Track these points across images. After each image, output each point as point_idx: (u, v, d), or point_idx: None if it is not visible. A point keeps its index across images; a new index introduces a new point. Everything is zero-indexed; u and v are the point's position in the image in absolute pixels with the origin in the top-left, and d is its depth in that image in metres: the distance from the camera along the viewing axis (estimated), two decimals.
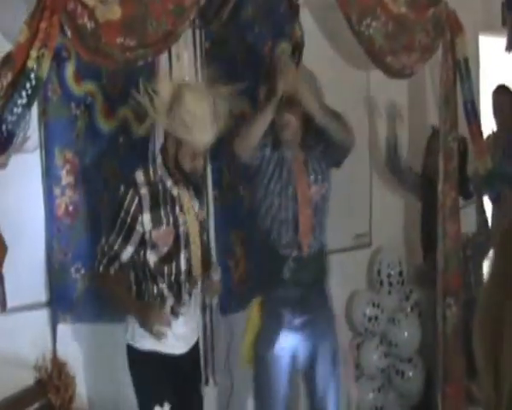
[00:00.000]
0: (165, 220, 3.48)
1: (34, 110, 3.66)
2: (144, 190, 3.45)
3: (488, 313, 1.06)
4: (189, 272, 3.58)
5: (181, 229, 3.52)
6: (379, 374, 5.11)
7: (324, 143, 3.99)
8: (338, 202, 4.72)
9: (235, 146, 3.88)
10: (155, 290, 3.53)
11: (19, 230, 3.82)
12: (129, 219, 3.42)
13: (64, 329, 4.02)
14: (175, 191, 3.53)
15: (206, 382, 4.43)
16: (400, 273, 5.19)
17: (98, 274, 3.55)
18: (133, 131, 4.04)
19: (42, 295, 3.98)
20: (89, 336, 4.01)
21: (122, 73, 3.89)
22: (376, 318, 5.10)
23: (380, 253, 5.25)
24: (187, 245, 3.56)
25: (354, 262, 5.25)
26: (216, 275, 3.70)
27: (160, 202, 3.48)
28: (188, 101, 3.36)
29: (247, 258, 4.52)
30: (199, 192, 3.71)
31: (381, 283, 5.19)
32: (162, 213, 3.48)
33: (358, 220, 5.30)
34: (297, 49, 4.09)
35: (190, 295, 3.60)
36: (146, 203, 3.44)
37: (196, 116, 3.34)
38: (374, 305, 5.11)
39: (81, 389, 3.97)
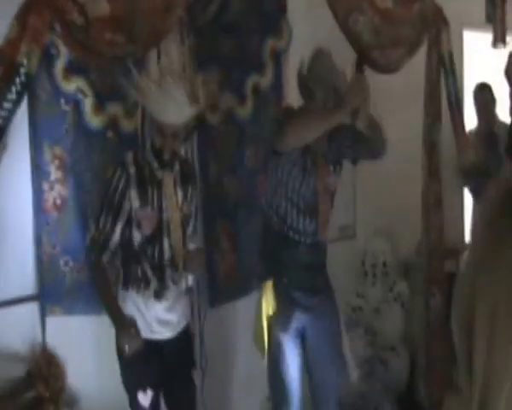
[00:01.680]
0: (150, 201, 3.53)
1: (23, 106, 3.68)
2: (132, 170, 3.51)
3: (461, 304, 1.07)
4: (172, 259, 3.61)
5: (164, 214, 3.57)
6: (363, 364, 5.16)
7: (355, 144, 4.01)
8: None
9: (287, 137, 3.76)
10: (139, 272, 3.57)
11: (7, 224, 3.84)
12: (117, 196, 3.48)
13: (53, 321, 4.05)
14: (159, 174, 3.55)
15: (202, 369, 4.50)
16: (384, 264, 5.25)
17: (91, 265, 3.60)
18: (122, 127, 4.06)
19: (31, 288, 4.00)
20: (78, 328, 4.03)
21: (111, 69, 3.91)
22: (361, 308, 5.16)
23: (364, 244, 5.30)
24: (169, 233, 3.59)
25: (338, 253, 5.30)
26: (192, 243, 3.75)
27: (146, 183, 3.53)
28: (164, 82, 3.41)
29: (235, 250, 4.57)
30: (187, 183, 3.71)
31: (366, 273, 5.24)
32: (148, 193, 3.53)
33: (343, 212, 5.34)
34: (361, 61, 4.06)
35: (174, 281, 3.64)
36: (133, 181, 3.50)
37: (166, 96, 3.37)
38: (358, 295, 5.17)
39: (71, 380, 4.00)
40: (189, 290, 3.85)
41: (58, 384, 3.98)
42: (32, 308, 4.01)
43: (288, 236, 3.94)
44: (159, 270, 3.59)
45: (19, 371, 3.92)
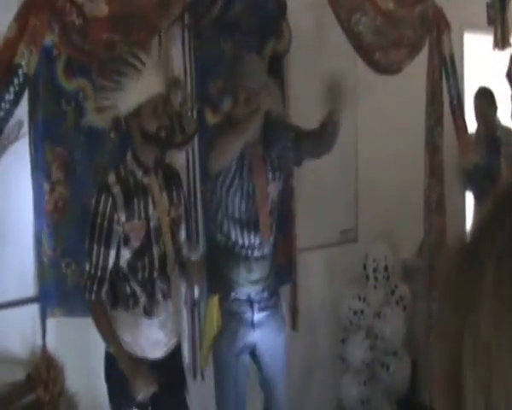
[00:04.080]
0: (137, 213, 3.43)
1: (24, 106, 3.68)
2: (116, 189, 3.38)
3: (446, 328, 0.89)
4: (161, 269, 3.54)
5: (151, 223, 3.48)
6: (364, 368, 5.14)
7: (297, 143, 3.94)
8: (324, 197, 4.77)
9: (211, 163, 3.76)
10: (128, 290, 3.48)
11: (8, 225, 3.84)
12: (106, 223, 3.35)
13: (54, 324, 4.04)
14: (146, 180, 3.46)
15: (194, 377, 4.47)
16: (386, 268, 5.23)
17: (90, 304, 3.46)
18: (124, 127, 4.04)
19: (31, 290, 4.00)
20: (78, 330, 4.02)
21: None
22: (362, 311, 5.14)
23: (365, 248, 5.28)
24: (158, 240, 3.51)
25: (340, 257, 5.29)
26: (194, 255, 3.69)
27: (132, 194, 3.43)
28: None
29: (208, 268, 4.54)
30: (170, 186, 3.62)
31: (367, 277, 5.23)
32: (134, 205, 3.42)
33: (345, 216, 5.34)
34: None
35: (164, 295, 3.55)
36: (120, 200, 3.38)
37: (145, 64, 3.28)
38: (360, 299, 5.15)
39: (70, 383, 3.98)
40: (192, 304, 3.80)
41: (58, 388, 3.96)
42: (33, 311, 4.01)
43: (233, 251, 3.86)
44: (148, 284, 3.50)
45: (18, 374, 3.91)
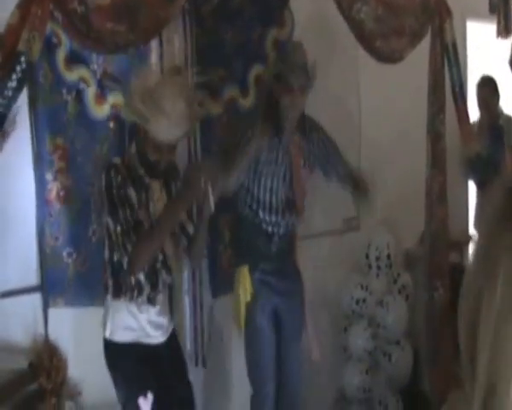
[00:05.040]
0: (144, 203, 3.52)
1: (24, 96, 3.67)
2: (123, 170, 3.48)
3: (467, 301, 1.07)
4: (163, 262, 3.62)
5: (152, 218, 3.55)
6: (367, 356, 5.15)
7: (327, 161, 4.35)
8: (327, 185, 4.76)
9: (223, 188, 3.86)
10: (132, 280, 3.56)
11: (10, 214, 3.84)
12: (122, 191, 3.43)
13: (56, 313, 4.03)
14: (146, 180, 3.55)
15: (196, 364, 4.49)
16: (388, 257, 5.23)
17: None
18: (124, 116, 4.04)
19: (33, 279, 3.99)
20: (80, 319, 4.03)
21: (114, 58, 3.90)
22: (364, 300, 5.15)
23: (368, 236, 5.28)
24: None
25: (343, 245, 5.29)
26: (189, 228, 3.76)
27: (135, 186, 3.51)
28: (162, 97, 3.35)
29: (235, 241, 4.56)
30: (169, 182, 3.70)
31: (370, 266, 5.23)
32: (139, 196, 3.51)
33: (347, 204, 5.32)
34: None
35: (165, 284, 3.66)
36: (128, 180, 3.48)
37: (165, 113, 3.33)
38: (362, 288, 5.16)
39: (73, 372, 3.98)
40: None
41: (60, 376, 3.96)
42: (35, 300, 4.00)
43: (260, 228, 4.13)
44: (152, 274, 3.59)
45: (21, 363, 3.91)
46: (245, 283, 4.11)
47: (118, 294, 3.60)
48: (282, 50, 4.25)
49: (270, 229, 4.12)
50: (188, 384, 3.85)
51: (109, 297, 3.63)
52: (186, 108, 3.39)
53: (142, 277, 3.56)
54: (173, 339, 3.82)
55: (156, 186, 3.59)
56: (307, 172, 4.22)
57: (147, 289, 3.59)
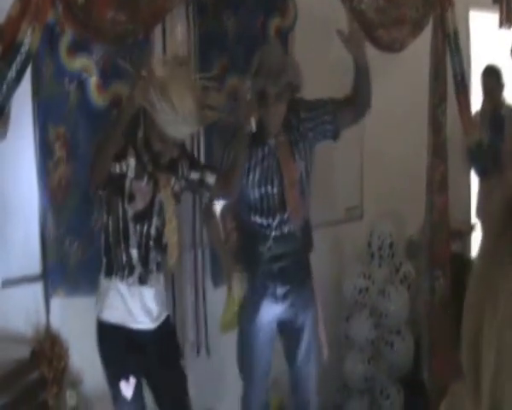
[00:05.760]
0: (145, 178, 3.55)
1: (27, 86, 3.69)
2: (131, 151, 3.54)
3: (470, 316, 1.07)
4: (157, 241, 3.63)
5: (157, 197, 3.58)
6: (368, 345, 5.16)
7: (336, 114, 4.01)
8: (330, 174, 4.77)
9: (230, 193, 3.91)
10: (124, 257, 3.59)
11: (12, 203, 3.85)
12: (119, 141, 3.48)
13: (57, 302, 4.05)
14: (149, 167, 3.57)
15: (198, 352, 4.51)
16: (390, 246, 5.24)
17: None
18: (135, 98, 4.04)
19: (35, 268, 4.01)
20: (82, 308, 4.03)
21: (116, 47, 3.90)
22: (367, 289, 5.15)
23: (371, 225, 5.28)
24: (160, 214, 3.61)
25: (345, 235, 5.30)
26: (210, 178, 3.77)
27: (141, 163, 3.55)
28: (174, 94, 3.35)
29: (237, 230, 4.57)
30: (175, 167, 3.71)
31: (372, 255, 5.24)
32: (144, 171, 3.55)
33: (350, 193, 5.34)
34: None
35: (158, 267, 3.67)
36: (130, 150, 3.53)
37: (175, 109, 3.34)
38: (364, 277, 5.17)
39: (74, 361, 4.00)
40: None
41: (61, 365, 3.98)
42: (36, 289, 4.02)
43: (255, 229, 4.00)
44: (144, 251, 3.61)
45: (22, 352, 3.93)
46: (234, 287, 4.02)
47: (109, 273, 3.64)
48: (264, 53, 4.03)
49: (262, 231, 3.99)
50: (178, 372, 3.83)
51: (102, 276, 3.67)
52: (195, 107, 3.39)
53: (134, 255, 3.60)
54: (165, 327, 3.80)
55: (161, 175, 3.61)
56: (302, 162, 4.02)
57: (138, 269, 3.61)
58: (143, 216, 3.59)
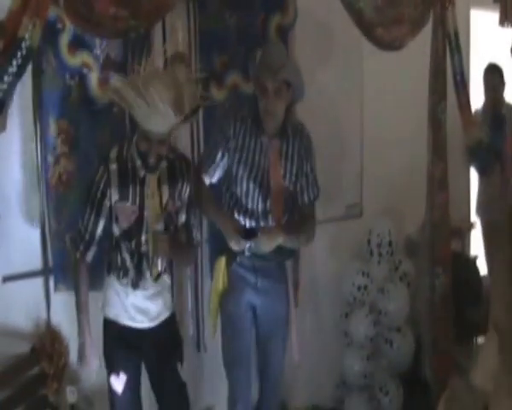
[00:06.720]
0: (130, 198, 3.56)
1: (29, 81, 3.69)
2: (114, 166, 3.53)
3: None
4: (148, 252, 3.65)
5: (145, 212, 3.59)
6: (368, 343, 5.16)
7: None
8: (330, 172, 4.77)
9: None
10: (119, 260, 3.64)
11: (13, 199, 3.86)
12: (99, 194, 3.55)
13: (58, 297, 4.06)
14: (141, 173, 3.55)
15: (198, 348, 4.53)
16: (390, 243, 5.24)
17: (74, 260, 3.69)
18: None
19: (36, 263, 4.01)
20: None
21: (117, 43, 3.91)
22: (366, 287, 5.16)
23: (370, 223, 5.29)
24: (148, 228, 3.61)
25: (345, 232, 5.30)
26: (183, 237, 3.79)
27: (128, 178, 3.54)
28: (147, 85, 3.32)
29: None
30: (175, 180, 3.68)
31: (371, 252, 5.24)
32: (129, 189, 3.55)
33: (350, 191, 5.35)
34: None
35: (151, 272, 3.67)
36: (114, 178, 3.53)
37: (146, 100, 3.31)
38: (363, 274, 5.17)
39: (74, 357, 4.01)
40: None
41: (62, 361, 4.00)
42: (37, 285, 4.03)
43: (238, 227, 3.98)
44: (136, 259, 3.63)
45: (23, 347, 3.94)
46: (219, 274, 4.06)
47: (109, 270, 3.72)
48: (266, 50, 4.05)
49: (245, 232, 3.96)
50: (175, 375, 3.82)
51: (105, 272, 3.74)
52: (176, 99, 3.36)
53: (127, 258, 3.63)
54: (165, 328, 3.80)
55: (153, 181, 3.59)
56: (287, 180, 4.04)
57: (131, 273, 3.64)
58: (130, 233, 3.61)
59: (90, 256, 3.66)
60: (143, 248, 3.62)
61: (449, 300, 4.61)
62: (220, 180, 4.08)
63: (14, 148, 3.87)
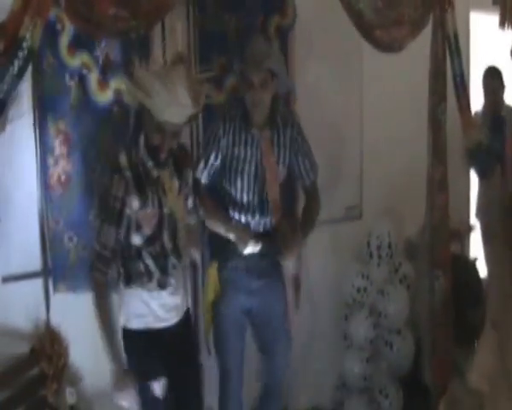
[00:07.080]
0: (150, 201, 3.50)
1: (28, 82, 3.70)
2: (128, 173, 3.44)
3: None
4: (174, 247, 3.61)
5: (164, 210, 3.54)
6: (367, 345, 5.15)
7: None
8: (329, 173, 4.77)
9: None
10: (142, 267, 3.56)
11: (12, 199, 3.86)
12: (118, 205, 3.42)
13: (58, 298, 4.06)
14: (155, 173, 3.52)
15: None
16: (389, 245, 5.23)
17: (95, 281, 3.50)
18: (126, 102, 4.05)
19: (35, 264, 4.01)
20: (82, 305, 4.02)
21: (116, 44, 3.92)
22: (365, 289, 5.15)
23: (370, 225, 5.28)
24: (170, 225, 3.58)
25: (344, 234, 5.30)
26: (192, 219, 3.80)
27: (143, 183, 3.48)
28: (165, 75, 3.34)
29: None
30: (180, 169, 3.69)
31: (371, 254, 5.23)
32: (148, 195, 3.49)
33: (349, 193, 5.34)
34: None
35: (175, 266, 3.63)
36: (131, 185, 3.44)
37: (171, 96, 3.31)
38: (363, 276, 5.16)
39: (74, 358, 4.01)
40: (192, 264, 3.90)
41: (61, 362, 3.99)
42: (37, 285, 4.03)
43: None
44: (162, 260, 3.58)
45: (22, 348, 3.94)
46: (210, 281, 4.07)
47: (128, 282, 3.59)
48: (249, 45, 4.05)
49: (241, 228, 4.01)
50: (197, 368, 3.88)
51: (121, 286, 3.62)
52: (190, 91, 3.36)
53: (150, 262, 3.56)
54: (185, 320, 3.80)
55: (165, 176, 3.57)
56: (281, 168, 4.08)
57: (156, 275, 3.58)
58: (153, 238, 3.54)
59: (112, 274, 3.55)
60: (168, 246, 3.59)
61: (449, 302, 4.61)
62: (215, 179, 4.07)
63: (14, 148, 3.87)
